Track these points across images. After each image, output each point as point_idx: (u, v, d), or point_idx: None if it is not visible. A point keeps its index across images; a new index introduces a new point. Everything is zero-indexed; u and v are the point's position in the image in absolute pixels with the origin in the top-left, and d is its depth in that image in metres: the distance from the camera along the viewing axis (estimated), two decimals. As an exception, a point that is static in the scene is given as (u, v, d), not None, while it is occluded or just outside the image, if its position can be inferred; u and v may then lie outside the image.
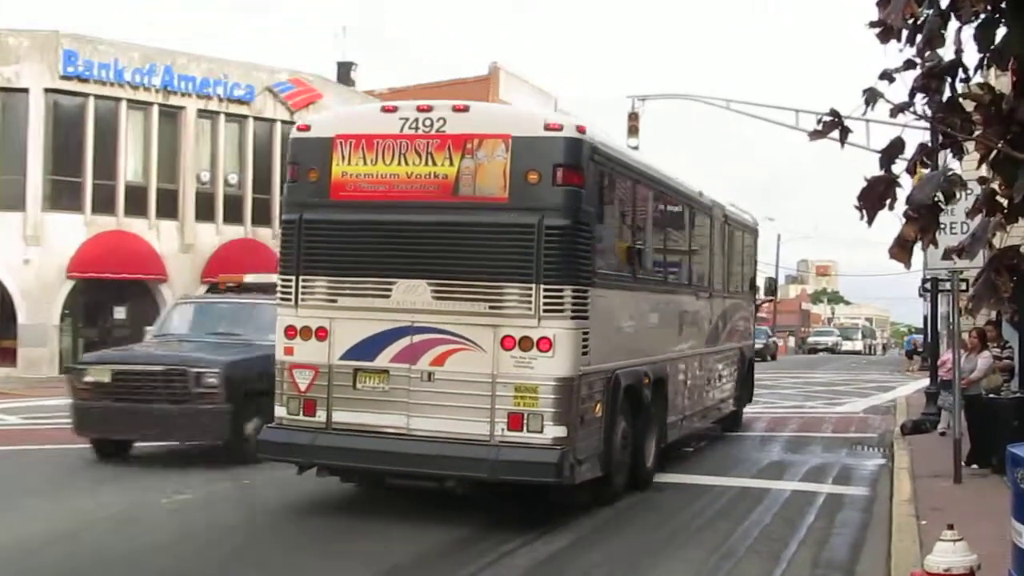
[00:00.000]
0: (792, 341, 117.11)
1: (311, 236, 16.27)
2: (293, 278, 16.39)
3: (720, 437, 25.64)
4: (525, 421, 15.32)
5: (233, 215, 51.14)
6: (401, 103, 16.20)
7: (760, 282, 30.31)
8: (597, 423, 16.19)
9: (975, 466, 20.11)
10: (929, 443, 24.34)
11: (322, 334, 16.17)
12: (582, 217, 15.53)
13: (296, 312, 16.34)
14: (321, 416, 16.10)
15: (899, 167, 8.19)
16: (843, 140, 8.19)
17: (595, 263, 15.96)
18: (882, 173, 8.07)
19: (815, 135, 8.13)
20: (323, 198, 16.16)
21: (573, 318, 15.42)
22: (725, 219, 24.23)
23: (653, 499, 17.96)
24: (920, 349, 63.63)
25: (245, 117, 51.10)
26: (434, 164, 15.72)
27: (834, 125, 8.09)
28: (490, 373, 15.43)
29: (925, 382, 33.67)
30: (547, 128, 15.47)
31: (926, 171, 8.53)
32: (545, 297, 15.28)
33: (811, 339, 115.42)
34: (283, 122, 51.77)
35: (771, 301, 33.86)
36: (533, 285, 15.30)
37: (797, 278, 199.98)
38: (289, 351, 16.35)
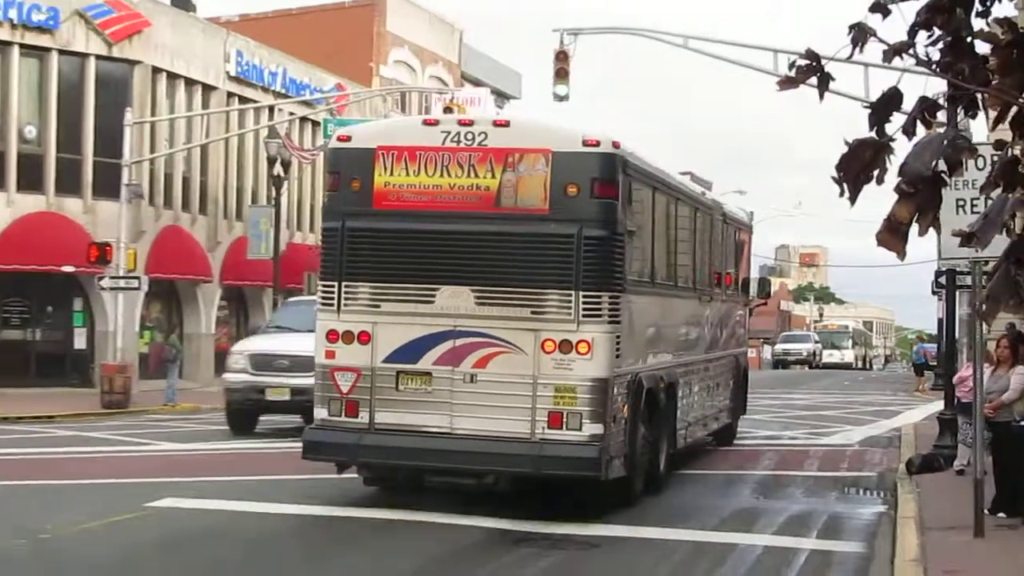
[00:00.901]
0: (768, 351, 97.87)
1: (354, 243, 17.00)
2: (335, 284, 17.10)
3: (678, 481, 20.69)
4: (564, 419, 16.26)
5: (31, 181, 40.30)
6: (442, 117, 17.03)
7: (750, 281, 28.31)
8: (624, 424, 17.09)
9: (1002, 515, 16.48)
10: (943, 485, 19.92)
11: (365, 338, 16.90)
12: (617, 227, 16.60)
13: (338, 316, 17.05)
14: (364, 417, 16.84)
15: (897, 127, 6.53)
16: (822, 90, 6.56)
17: (626, 270, 16.92)
18: (870, 135, 6.43)
19: (786, 83, 6.57)
20: (366, 207, 16.91)
21: (609, 322, 16.43)
22: (724, 218, 24.17)
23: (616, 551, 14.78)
24: (932, 362, 52.39)
25: (47, 50, 40.40)
26: (476, 176, 16.58)
27: (812, 71, 6.41)
28: (531, 374, 16.36)
29: (939, 405, 27.66)
30: (585, 144, 16.49)
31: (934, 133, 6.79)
32: (584, 303, 16.28)
33: (779, 347, 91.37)
34: (99, 57, 41.64)
35: (764, 303, 30.62)
36: (573, 291, 16.32)
37: (776, 269, 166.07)
38: (331, 354, 17.05)
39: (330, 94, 51.65)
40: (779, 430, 30.72)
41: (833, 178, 6.48)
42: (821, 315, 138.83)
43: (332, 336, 17.07)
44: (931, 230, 6.53)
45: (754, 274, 28.55)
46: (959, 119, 7.47)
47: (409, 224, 16.76)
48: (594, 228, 16.34)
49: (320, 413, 17.12)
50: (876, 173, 6.44)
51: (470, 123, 16.74)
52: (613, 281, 16.52)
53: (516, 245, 16.46)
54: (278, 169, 43.94)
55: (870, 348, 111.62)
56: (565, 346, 16.28)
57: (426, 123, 16.96)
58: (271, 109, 50.55)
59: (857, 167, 6.43)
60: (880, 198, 7.17)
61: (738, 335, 26.54)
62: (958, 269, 23.93)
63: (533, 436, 16.32)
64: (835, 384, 58.67)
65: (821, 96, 6.70)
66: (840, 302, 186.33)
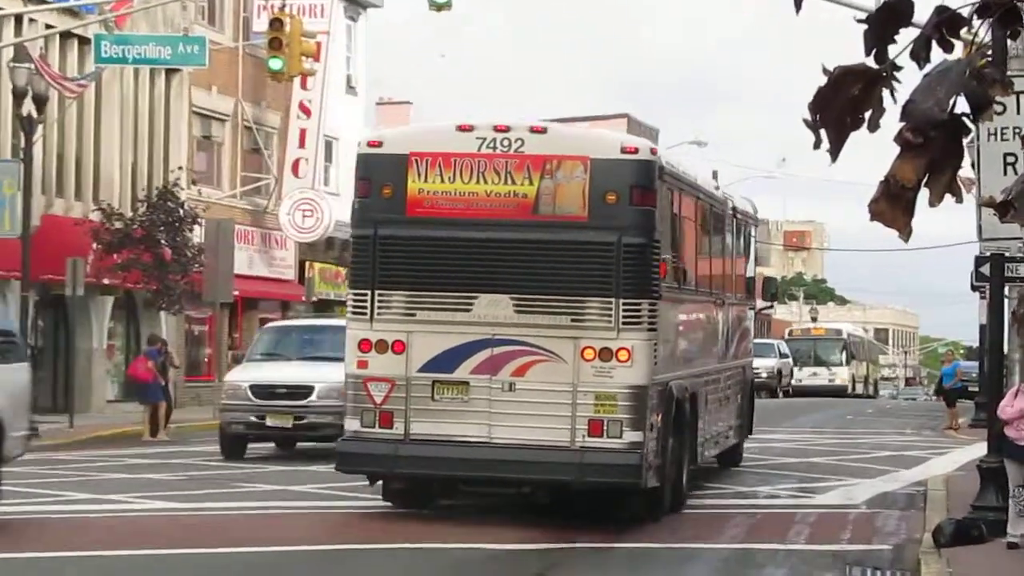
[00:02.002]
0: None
1: (387, 251, 16.82)
2: (368, 292, 16.89)
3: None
4: (605, 427, 16.22)
5: None
6: (477, 122, 16.90)
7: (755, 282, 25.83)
8: (657, 434, 17.01)
9: None
10: (986, 562, 14.69)
11: (399, 347, 16.71)
12: (655, 235, 16.59)
13: (371, 326, 16.85)
14: (399, 428, 16.64)
15: (903, 49, 4.96)
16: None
17: (662, 277, 16.91)
18: (862, 62, 4.92)
19: None
20: (399, 214, 16.74)
21: (648, 329, 16.42)
22: (733, 212, 22.97)
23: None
24: (966, 386, 40.26)
25: None
26: (513, 183, 16.48)
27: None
28: (570, 382, 16.30)
29: (980, 449, 20.31)
30: (624, 151, 16.51)
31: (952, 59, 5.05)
32: (624, 310, 16.27)
33: None
34: None
35: (770, 307, 28.09)
36: (613, 299, 16.28)
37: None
38: (363, 364, 16.84)
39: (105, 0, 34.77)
40: (754, 484, 22.10)
41: (806, 121, 4.89)
42: (814, 318, 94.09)
43: (364, 345, 16.86)
44: (952, 197, 4.94)
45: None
46: (991, 38, 5.43)
47: (445, 232, 16.62)
48: (634, 236, 16.36)
49: (352, 424, 16.90)
50: (868, 115, 4.83)
51: (506, 129, 16.63)
52: (652, 288, 16.54)
53: (555, 253, 16.43)
54: (29, 107, 30.66)
55: (875, 365, 77.25)
56: (605, 354, 16.24)
57: (460, 129, 16.82)
58: (18, 20, 34.64)
59: (840, 107, 4.82)
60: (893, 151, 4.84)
61: (745, 343, 24.88)
62: (1008, 254, 17.04)
63: (573, 444, 16.25)
64: (831, 419, 41.61)
65: (798, 8, 5.20)
66: (842, 301, 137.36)
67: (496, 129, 16.66)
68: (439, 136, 17.11)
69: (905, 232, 4.95)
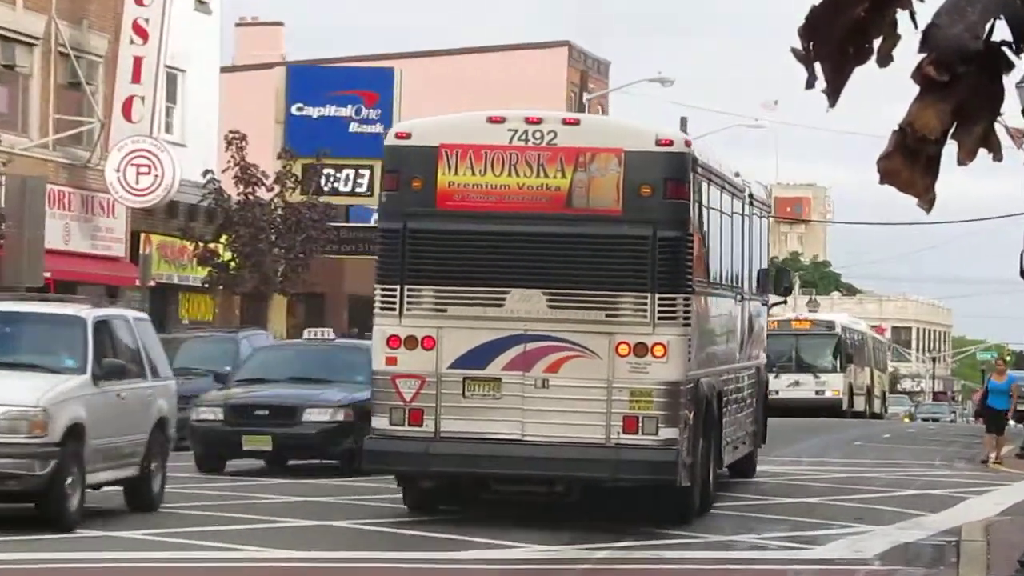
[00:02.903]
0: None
1: (417, 245, 16.54)
2: (397, 287, 16.61)
3: None
4: (640, 423, 16.03)
5: None
6: (508, 113, 16.66)
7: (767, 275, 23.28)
8: (690, 431, 16.75)
9: None
10: None
11: (429, 343, 16.43)
12: (689, 228, 16.51)
13: (400, 321, 16.56)
14: (429, 426, 16.36)
15: None
16: None
17: (695, 271, 16.69)
18: None
19: None
20: (429, 207, 16.48)
21: (683, 324, 16.26)
22: (751, 201, 21.85)
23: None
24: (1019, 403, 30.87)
25: None
26: (546, 176, 16.25)
27: None
28: (605, 378, 16.09)
29: None
30: (658, 143, 16.38)
31: None
32: (660, 305, 16.11)
33: None
34: None
35: (783, 302, 24.95)
36: (648, 294, 16.10)
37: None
38: (392, 361, 16.55)
39: None
40: (733, 530, 17.18)
41: (796, 53, 3.85)
42: (815, 307, 75.36)
43: (393, 342, 16.56)
44: (989, 153, 3.55)
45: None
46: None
47: (476, 225, 16.40)
48: (668, 229, 16.22)
49: (379, 422, 16.60)
50: (877, 43, 3.59)
51: (538, 121, 16.42)
52: (686, 282, 16.38)
53: (589, 247, 16.26)
54: None
55: (883, 372, 59.72)
56: (640, 349, 16.05)
57: (491, 120, 16.61)
58: None
59: (840, 32, 3.71)
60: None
61: (760, 343, 23.22)
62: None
63: (608, 441, 16.07)
64: (834, 446, 33.17)
65: None
66: (850, 290, 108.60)
67: (528, 121, 16.44)
68: (469, 128, 16.86)
69: (926, 198, 3.61)
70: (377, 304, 16.87)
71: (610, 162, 16.20)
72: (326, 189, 42.47)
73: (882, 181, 3.72)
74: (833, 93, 3.70)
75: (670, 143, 16.35)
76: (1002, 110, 3.67)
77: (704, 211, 18.05)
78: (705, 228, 18.28)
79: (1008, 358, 48.25)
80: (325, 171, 42.32)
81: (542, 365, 16.18)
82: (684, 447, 16.30)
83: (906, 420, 65.14)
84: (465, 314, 16.42)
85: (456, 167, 16.43)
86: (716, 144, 26.56)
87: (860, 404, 53.23)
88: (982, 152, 3.64)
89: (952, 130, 3.56)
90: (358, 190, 46.20)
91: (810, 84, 3.76)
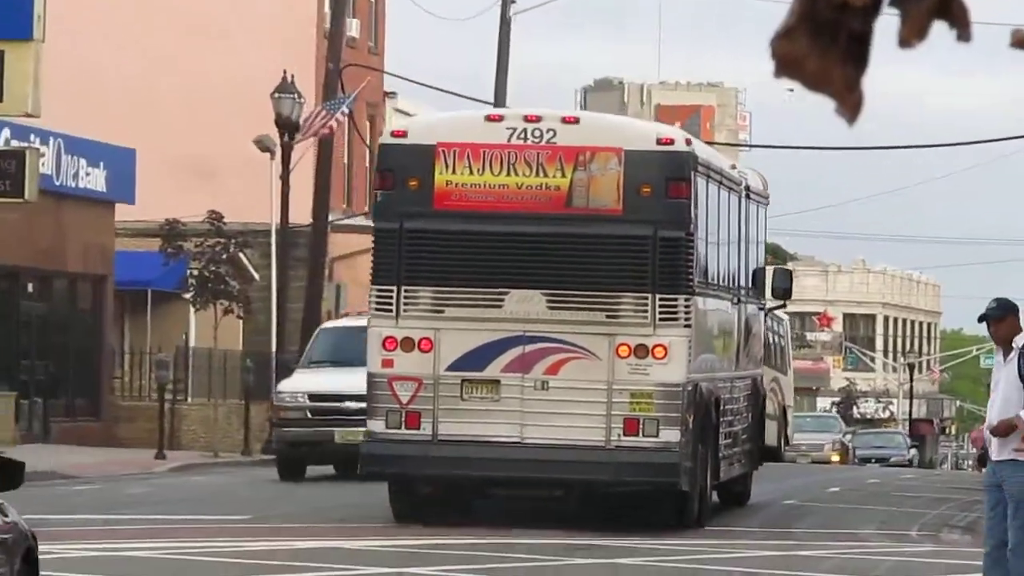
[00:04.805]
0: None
1: (415, 246, 16.35)
2: (393, 288, 16.38)
3: None
4: (641, 426, 15.88)
5: None
6: (506, 111, 16.51)
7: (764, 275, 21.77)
8: (689, 434, 16.53)
9: None
10: None
11: (426, 345, 16.22)
12: (690, 228, 16.27)
13: (396, 323, 16.35)
14: (426, 428, 16.15)
15: None
16: None
17: (695, 272, 16.53)
18: None
19: None
20: (426, 207, 16.28)
21: (684, 325, 16.09)
22: (747, 194, 20.32)
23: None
24: None
25: None
26: (545, 175, 16.07)
27: None
28: (605, 380, 15.91)
29: None
30: (659, 142, 16.24)
31: None
32: (661, 306, 15.97)
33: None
34: None
35: (782, 306, 22.62)
36: (649, 294, 15.92)
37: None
38: (388, 363, 16.33)
39: None
40: None
41: None
42: None
43: (390, 343, 16.34)
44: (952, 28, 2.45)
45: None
46: None
47: (474, 225, 16.22)
48: (669, 229, 16.10)
49: (375, 426, 16.40)
50: None
51: (537, 119, 16.25)
52: (688, 283, 16.25)
53: (590, 247, 16.13)
54: None
55: (783, 375, 23.90)
56: (641, 350, 15.89)
57: (489, 119, 16.55)
58: None
59: None
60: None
61: (755, 350, 20.94)
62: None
63: (608, 443, 15.92)
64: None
65: None
66: (779, 256, 65.67)
67: (526, 119, 16.28)
68: (467, 126, 16.73)
69: (848, 100, 2.42)
70: (373, 305, 16.66)
71: (610, 161, 16.03)
72: None
73: (779, 73, 2.48)
74: None
75: (671, 142, 16.27)
76: None
77: (705, 210, 17.82)
78: (706, 227, 18.02)
79: None
80: None
81: (541, 367, 15.99)
82: (685, 451, 16.14)
83: (835, 459, 45.15)
84: (463, 315, 16.23)
85: (454, 166, 16.23)
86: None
87: None
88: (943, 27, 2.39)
89: None
90: None
91: None
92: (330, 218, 34.87)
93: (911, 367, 69.01)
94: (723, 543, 16.27)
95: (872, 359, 78.22)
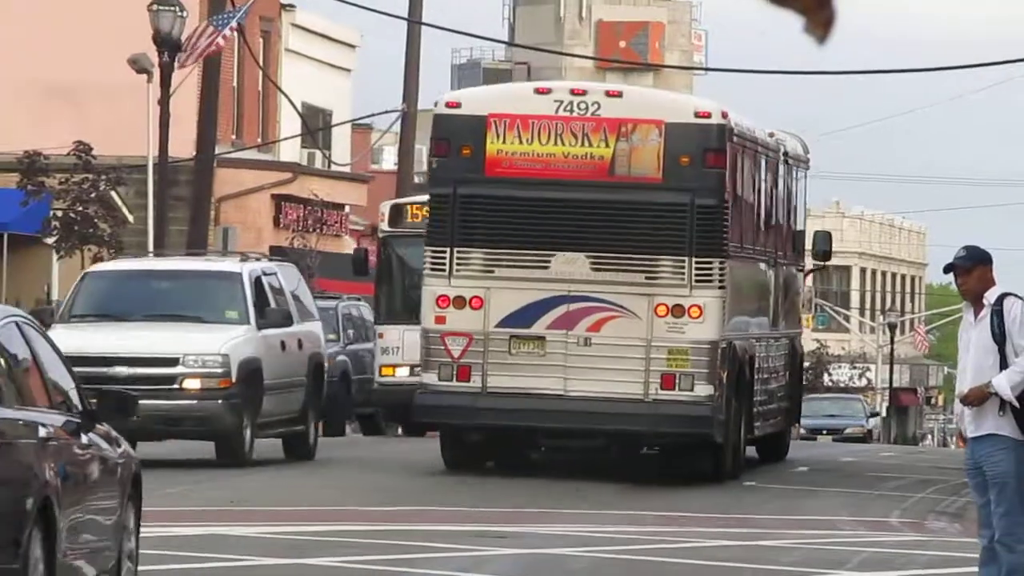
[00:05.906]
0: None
1: (467, 210, 17.52)
2: (447, 250, 17.55)
3: None
4: (677, 380, 17.06)
5: None
6: (553, 84, 17.65)
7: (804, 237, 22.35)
8: (724, 390, 17.67)
9: None
10: None
11: (477, 303, 17.40)
12: (726, 196, 17.49)
13: (449, 282, 17.53)
14: (476, 381, 17.37)
15: None
16: None
17: (730, 236, 17.68)
18: None
19: None
20: (478, 174, 17.47)
21: (719, 287, 17.30)
22: (785, 159, 20.90)
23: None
24: None
25: None
26: (590, 145, 17.23)
27: None
28: (644, 337, 17.13)
29: None
30: (697, 115, 17.41)
31: None
32: (697, 268, 17.17)
33: None
34: None
35: (822, 268, 23.49)
36: (686, 258, 17.12)
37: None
38: (441, 320, 17.53)
39: None
40: None
41: None
42: None
43: (443, 301, 17.51)
44: None
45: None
46: None
47: (523, 192, 17.38)
48: (706, 197, 17.26)
49: (428, 378, 17.61)
50: None
51: (583, 92, 17.44)
52: (723, 247, 17.39)
53: (631, 213, 17.32)
54: None
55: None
56: (678, 310, 17.05)
57: (538, 92, 17.65)
58: None
59: None
60: None
61: (794, 312, 22.03)
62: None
63: (646, 397, 17.09)
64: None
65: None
66: None
67: (573, 92, 17.46)
68: (517, 98, 17.93)
69: (818, 16, 2.21)
70: (427, 265, 17.82)
71: (651, 133, 17.16)
72: None
73: None
74: None
75: (708, 115, 17.39)
76: None
77: (740, 178, 18.88)
78: (740, 194, 19.08)
79: None
80: None
81: (584, 324, 17.18)
82: (718, 404, 17.29)
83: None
84: (512, 275, 17.41)
85: (504, 136, 17.37)
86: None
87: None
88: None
89: None
90: None
91: None
92: (217, 151, 30.97)
93: (892, 328, 61.51)
94: (664, 531, 13.94)
95: (847, 318, 69.84)
